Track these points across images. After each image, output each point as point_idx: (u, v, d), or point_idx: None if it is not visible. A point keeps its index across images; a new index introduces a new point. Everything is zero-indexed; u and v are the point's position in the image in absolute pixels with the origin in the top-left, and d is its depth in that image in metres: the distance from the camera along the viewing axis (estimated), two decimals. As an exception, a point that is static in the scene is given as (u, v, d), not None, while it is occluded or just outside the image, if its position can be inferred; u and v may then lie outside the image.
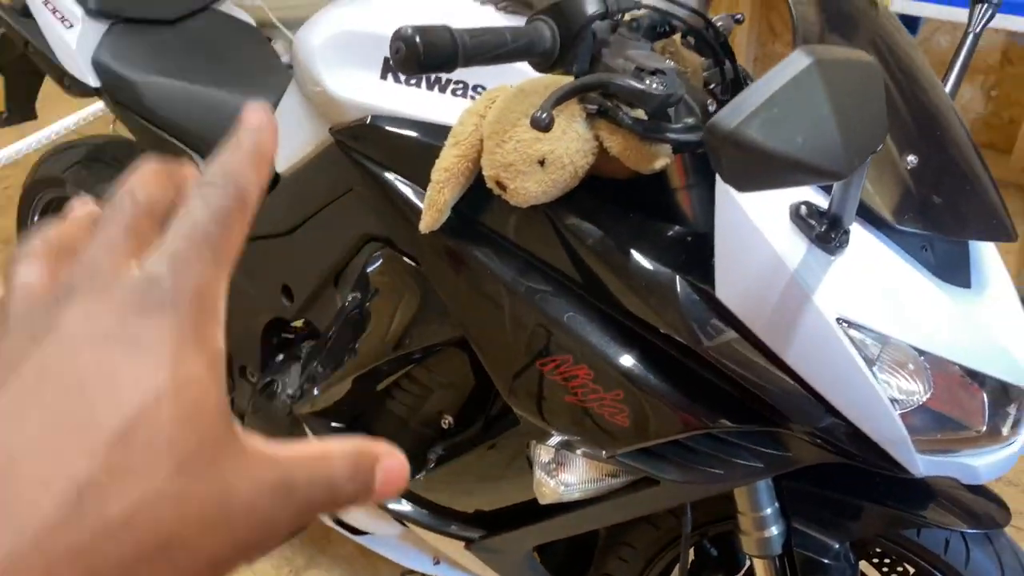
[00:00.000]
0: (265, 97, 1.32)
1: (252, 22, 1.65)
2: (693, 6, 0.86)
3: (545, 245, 0.91)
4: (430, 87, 1.00)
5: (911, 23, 2.63)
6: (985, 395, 0.87)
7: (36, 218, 1.84)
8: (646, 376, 0.86)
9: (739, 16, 1.01)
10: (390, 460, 0.27)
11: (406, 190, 1.00)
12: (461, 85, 1.00)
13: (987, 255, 0.91)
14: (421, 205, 0.96)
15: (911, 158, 0.79)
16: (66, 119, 3.17)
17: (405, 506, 1.20)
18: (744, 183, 0.53)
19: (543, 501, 0.97)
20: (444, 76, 1.00)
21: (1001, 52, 2.85)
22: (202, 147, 1.37)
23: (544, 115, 0.69)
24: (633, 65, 0.77)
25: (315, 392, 1.21)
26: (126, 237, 0.25)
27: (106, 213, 0.26)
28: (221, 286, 0.27)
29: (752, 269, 0.77)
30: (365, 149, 1.03)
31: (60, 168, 1.71)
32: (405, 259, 1.06)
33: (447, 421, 1.13)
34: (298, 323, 1.39)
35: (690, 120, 0.82)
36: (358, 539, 1.42)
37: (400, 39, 0.69)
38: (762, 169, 0.49)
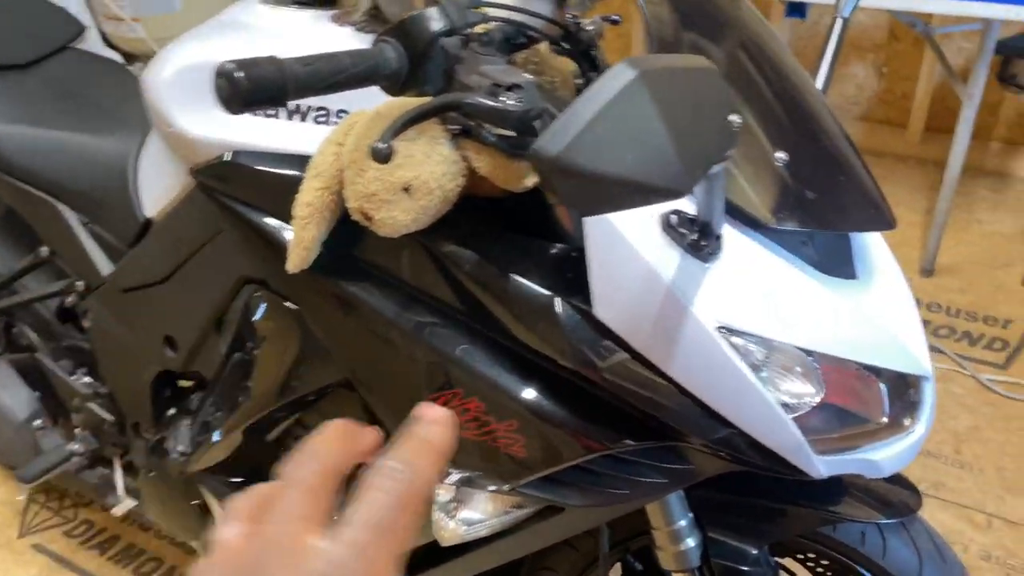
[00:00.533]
0: (129, 137, 1.24)
1: (118, 58, 1.57)
2: (547, 15, 0.83)
3: (424, 275, 0.87)
4: (290, 116, 0.95)
5: (800, 8, 2.67)
6: (882, 385, 0.86)
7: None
8: (539, 403, 0.82)
9: (615, 17, 0.98)
10: (428, 412, 0.32)
11: (275, 228, 0.95)
12: (323, 112, 0.95)
13: (872, 244, 0.90)
14: (286, 241, 0.91)
15: (781, 155, 0.77)
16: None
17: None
18: (584, 208, 0.50)
19: (444, 543, 0.92)
20: (305, 103, 0.94)
21: (888, 30, 2.92)
22: (65, 195, 1.28)
23: (384, 146, 0.64)
24: (488, 81, 0.73)
25: (206, 448, 1.14)
26: (309, 504, 0.29)
27: (290, 472, 0.29)
28: (394, 569, 0.29)
29: (627, 285, 0.74)
30: (228, 188, 0.97)
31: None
32: (283, 301, 1.00)
33: (346, 464, 1.08)
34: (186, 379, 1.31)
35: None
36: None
37: (222, 75, 0.63)
38: (597, 193, 0.46)
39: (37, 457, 1.38)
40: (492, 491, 0.91)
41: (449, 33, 0.74)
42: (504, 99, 0.71)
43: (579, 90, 0.91)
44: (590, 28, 0.91)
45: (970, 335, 2.14)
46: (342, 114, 0.94)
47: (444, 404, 0.86)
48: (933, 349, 2.09)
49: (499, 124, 0.74)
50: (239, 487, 1.17)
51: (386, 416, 0.91)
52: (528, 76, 0.75)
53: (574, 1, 0.86)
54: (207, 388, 1.17)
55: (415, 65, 0.74)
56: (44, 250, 1.34)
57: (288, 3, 1.09)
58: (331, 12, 1.06)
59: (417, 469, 0.30)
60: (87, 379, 1.40)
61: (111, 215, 1.24)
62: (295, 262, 0.89)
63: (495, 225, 0.86)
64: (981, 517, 1.65)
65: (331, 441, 0.31)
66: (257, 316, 1.05)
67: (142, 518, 1.66)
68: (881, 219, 0.83)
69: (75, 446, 1.40)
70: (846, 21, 1.08)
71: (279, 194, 0.93)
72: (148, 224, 1.19)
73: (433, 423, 0.32)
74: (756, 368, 0.75)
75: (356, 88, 0.74)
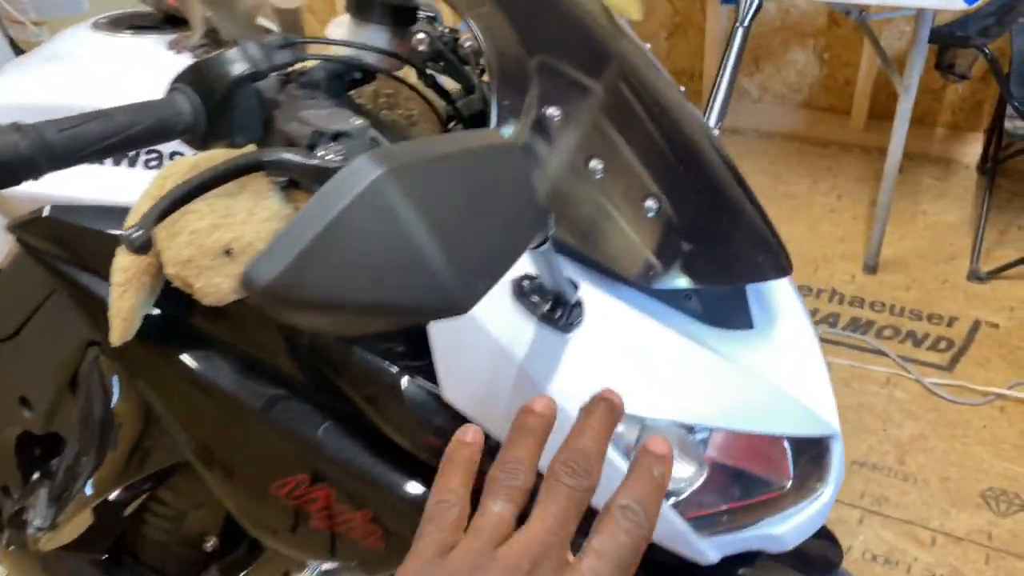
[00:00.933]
0: None
1: None
2: (381, 45, 0.72)
3: (264, 345, 0.76)
4: (116, 162, 0.83)
5: (735, -4, 2.57)
6: (786, 444, 0.77)
7: None
8: (394, 490, 0.72)
9: None
10: (655, 446, 0.34)
11: (103, 291, 0.83)
12: (155, 156, 0.83)
13: (773, 286, 0.81)
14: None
15: (651, 203, 0.67)
16: None
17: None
18: (332, 332, 0.40)
19: (307, 642, 0.82)
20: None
21: (827, 15, 2.84)
22: None
23: (137, 234, 0.53)
24: (308, 129, 0.63)
25: (62, 523, 1.02)
26: (569, 523, 0.33)
27: (547, 485, 0.34)
28: None
29: (476, 362, 0.64)
30: (48, 247, 0.85)
31: None
32: (123, 369, 0.89)
33: (211, 543, 0.97)
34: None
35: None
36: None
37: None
38: (336, 320, 0.36)
39: None
40: (357, 582, 0.81)
41: (253, 78, 0.63)
42: (323, 152, 0.61)
43: (451, 119, 0.81)
44: (467, 45, 0.80)
45: (914, 335, 2.07)
46: (177, 156, 0.83)
47: (289, 492, 0.76)
48: (877, 352, 2.02)
49: (317, 182, 0.63)
50: (104, 567, 1.06)
51: (231, 503, 0.80)
52: (357, 121, 0.64)
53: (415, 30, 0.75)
54: (63, 453, 1.05)
55: (215, 115, 0.63)
56: None
57: (123, 28, 0.97)
58: (168, 37, 0.94)
59: (650, 512, 0.32)
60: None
61: None
62: (117, 334, 0.77)
63: None
64: (925, 534, 1.58)
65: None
66: (104, 382, 0.93)
67: None
68: (773, 266, 0.73)
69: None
70: (747, 30, 0.98)
71: (103, 253, 0.82)
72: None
73: (660, 460, 0.33)
74: (629, 451, 0.66)
75: (142, 148, 0.63)
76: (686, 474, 0.68)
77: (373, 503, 0.73)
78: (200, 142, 0.65)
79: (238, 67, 0.62)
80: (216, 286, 0.71)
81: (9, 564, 1.14)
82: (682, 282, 0.68)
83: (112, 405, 0.94)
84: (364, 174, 0.34)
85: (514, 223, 0.41)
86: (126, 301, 0.76)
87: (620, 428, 0.65)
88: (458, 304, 0.37)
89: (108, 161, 0.83)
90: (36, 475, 1.17)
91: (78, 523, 1.01)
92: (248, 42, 0.63)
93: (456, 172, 0.38)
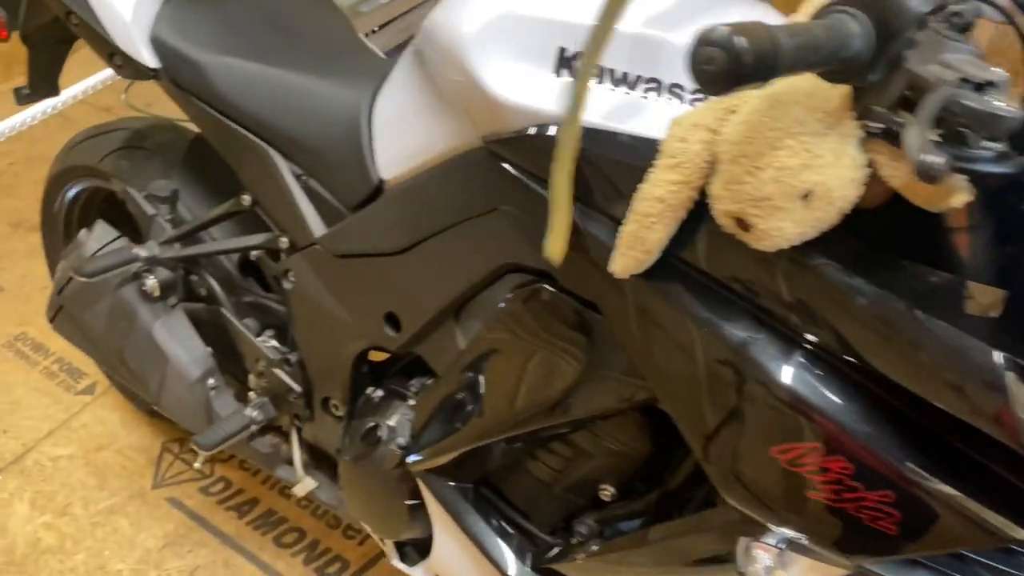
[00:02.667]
0: (359, 86, 1.10)
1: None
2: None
3: (788, 300, 0.71)
4: (615, 83, 0.79)
5: None
6: None
7: (66, 211, 1.62)
8: (930, 476, 0.67)
9: None
10: None
11: (585, 218, 0.80)
12: (654, 83, 0.79)
13: None
14: (603, 237, 0.77)
15: None
16: (73, 87, 2.91)
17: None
18: None
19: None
20: (629, 70, 0.79)
21: None
22: (280, 143, 1.15)
23: (940, 161, 0.48)
24: (954, 75, 0.57)
25: (434, 446, 1.01)
26: None
27: None
28: None
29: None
30: (530, 165, 0.82)
31: (95, 156, 1.49)
32: (571, 301, 0.85)
33: (607, 492, 0.94)
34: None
35: (994, 145, 0.62)
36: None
37: (714, 43, 0.48)
38: None
39: (217, 423, 1.27)
40: (826, 561, 0.76)
41: (938, 10, 0.57)
42: (989, 99, 0.56)
43: None
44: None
45: None
46: (677, 89, 0.78)
47: (794, 459, 0.72)
48: None
49: (983, 131, 0.58)
50: (464, 492, 1.05)
51: (713, 463, 0.76)
52: (1001, 72, 0.58)
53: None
54: (438, 382, 1.03)
55: (881, 47, 0.58)
56: (247, 199, 1.21)
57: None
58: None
59: None
60: (275, 343, 1.28)
61: (334, 172, 1.11)
62: (627, 265, 0.74)
63: (868, 241, 0.70)
64: None
65: None
66: (523, 312, 0.90)
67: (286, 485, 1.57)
68: None
69: (253, 413, 1.29)
70: None
71: (598, 180, 0.78)
72: (380, 187, 1.05)
73: None
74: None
75: (816, 70, 0.58)
76: None
77: (897, 488, 0.68)
78: (848, 75, 0.60)
79: (921, 3, 0.57)
80: (781, 231, 0.66)
81: (350, 476, 1.14)
82: None
83: (526, 340, 0.91)
84: None
85: None
86: (654, 233, 0.72)
87: None
88: None
89: (607, 80, 0.79)
90: (375, 391, 1.16)
91: (457, 449, 0.99)
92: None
93: None
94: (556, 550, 0.99)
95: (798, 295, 0.70)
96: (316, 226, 1.15)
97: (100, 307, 1.31)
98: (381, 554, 1.61)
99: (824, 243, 0.67)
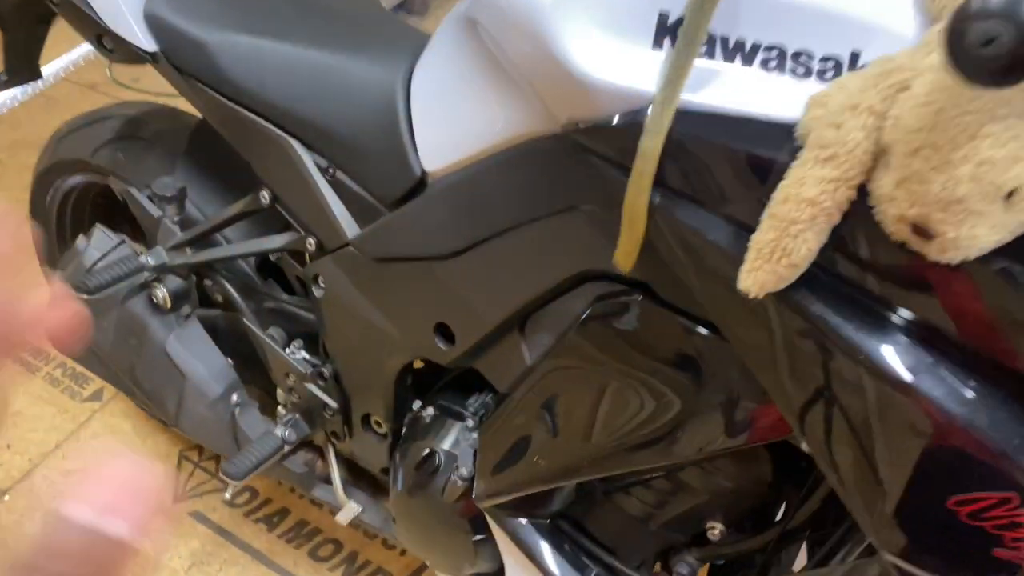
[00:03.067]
0: (392, 65, 0.95)
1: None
2: None
3: (963, 314, 0.58)
4: (729, 56, 0.64)
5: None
6: None
7: (57, 209, 1.46)
8: None
9: None
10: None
11: (695, 220, 0.65)
12: (775, 52, 0.64)
13: None
14: (723, 243, 0.63)
15: None
16: (53, 64, 2.73)
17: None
18: None
19: None
20: (740, 37, 0.64)
21: None
22: (302, 132, 1.00)
23: None
24: None
25: (505, 482, 0.88)
26: None
27: None
28: None
29: None
30: (622, 157, 0.68)
31: (87, 148, 1.33)
32: (674, 317, 0.72)
33: (716, 531, 0.81)
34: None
35: None
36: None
37: (994, 14, 0.34)
38: None
39: (246, 448, 1.14)
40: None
41: None
42: None
43: None
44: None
45: None
46: (802, 57, 0.63)
47: (976, 512, 0.59)
48: None
49: None
50: (542, 530, 0.92)
51: (868, 513, 0.63)
52: None
53: None
54: (506, 407, 0.90)
55: None
56: (265, 196, 1.07)
57: None
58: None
59: None
60: (305, 354, 1.14)
61: (366, 163, 0.96)
62: (763, 281, 0.60)
63: None
64: None
65: None
66: (611, 329, 0.77)
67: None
68: None
69: (285, 432, 1.16)
70: None
71: (710, 175, 0.64)
72: (423, 180, 0.91)
73: None
74: None
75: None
76: None
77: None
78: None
79: None
80: (974, 240, 0.53)
81: (405, 508, 1.01)
82: None
83: (614, 363, 0.78)
84: None
85: None
86: (805, 243, 0.58)
87: None
88: None
89: (718, 52, 0.64)
90: (425, 410, 1.03)
91: (528, 490, 0.86)
92: None
93: None
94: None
95: (986, 312, 0.56)
96: (348, 226, 1.01)
97: (106, 323, 1.18)
98: (425, 565, 1.49)
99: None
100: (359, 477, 1.23)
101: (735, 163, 0.63)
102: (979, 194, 0.51)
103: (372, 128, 0.95)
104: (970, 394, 0.58)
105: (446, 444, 0.97)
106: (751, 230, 0.61)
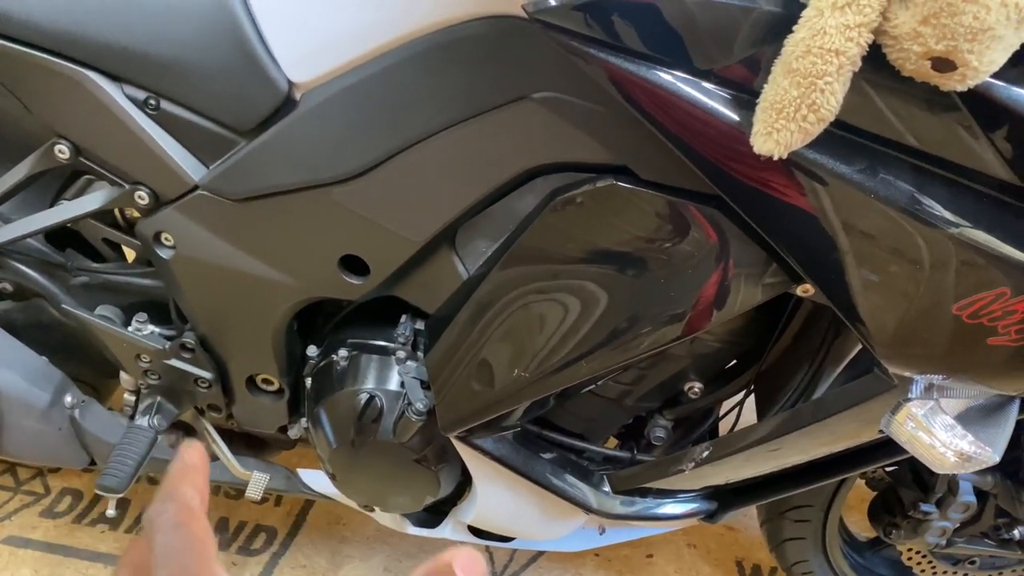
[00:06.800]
0: None
1: None
2: None
3: (960, 137, 0.61)
4: None
5: None
6: None
7: None
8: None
9: None
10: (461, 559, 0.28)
11: (687, 87, 0.62)
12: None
13: None
14: (719, 108, 0.61)
15: None
16: None
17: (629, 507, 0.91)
18: None
19: (943, 470, 0.74)
20: None
21: None
22: (108, 61, 0.79)
23: None
24: None
25: (472, 405, 0.82)
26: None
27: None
28: None
29: None
30: (601, 33, 0.61)
31: None
32: (662, 196, 0.69)
33: (696, 389, 0.83)
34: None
35: None
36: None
37: None
38: None
39: (116, 451, 0.94)
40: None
41: None
42: None
43: None
44: None
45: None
46: None
47: (976, 311, 0.66)
48: None
49: None
50: (527, 432, 0.89)
51: (876, 333, 0.67)
52: None
53: None
54: (455, 328, 0.82)
55: None
56: (63, 149, 0.84)
57: None
58: None
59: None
60: (154, 328, 0.96)
61: (204, 87, 0.79)
62: (788, 140, 0.59)
63: None
64: None
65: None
66: (584, 219, 0.72)
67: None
68: None
69: (152, 420, 0.98)
70: None
71: (694, 35, 0.60)
72: (290, 96, 0.77)
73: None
74: None
75: None
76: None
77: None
78: None
79: None
80: (993, 64, 0.56)
81: (364, 461, 0.92)
82: None
83: (591, 256, 0.74)
84: None
85: None
86: (831, 95, 0.58)
87: None
88: None
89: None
90: (327, 353, 0.94)
91: (506, 407, 0.82)
92: None
93: None
94: (644, 466, 0.88)
95: (985, 132, 0.60)
96: (191, 167, 0.83)
97: None
98: (305, 512, 1.40)
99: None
100: (243, 446, 1.09)
101: (725, 19, 0.60)
102: (1004, 19, 0.52)
103: (206, 42, 0.77)
104: (976, 208, 0.62)
105: (383, 383, 0.88)
106: (752, 93, 0.59)
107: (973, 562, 1.17)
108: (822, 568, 1.19)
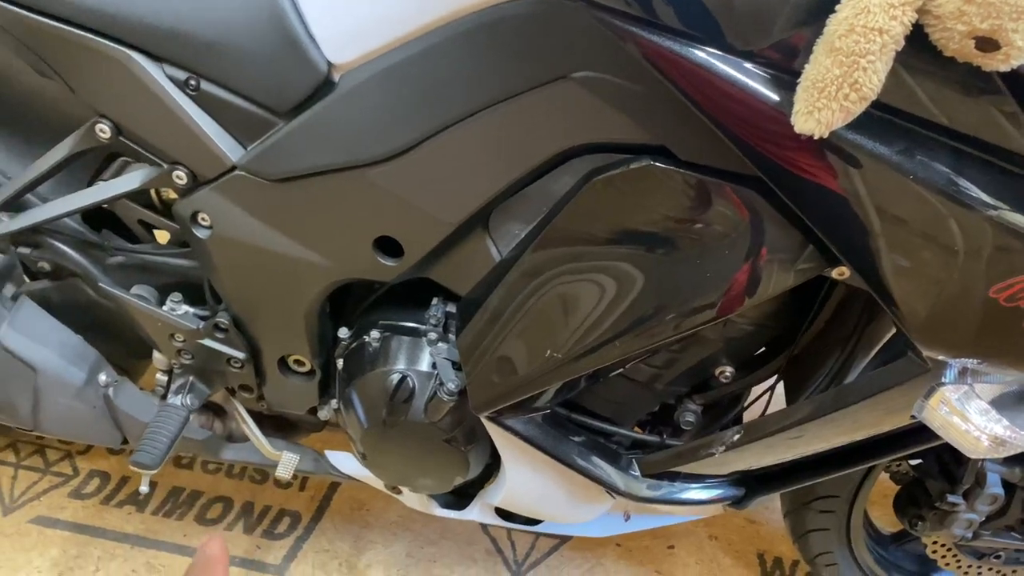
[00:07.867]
0: None
1: None
2: None
3: (991, 116, 0.61)
4: None
5: None
6: None
7: None
8: None
9: None
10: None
11: (727, 66, 0.62)
12: None
13: None
14: (759, 88, 0.62)
15: None
16: None
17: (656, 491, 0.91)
18: None
19: (977, 454, 0.74)
20: None
21: None
22: (148, 40, 0.81)
23: None
24: None
25: (505, 386, 0.83)
26: None
27: None
28: None
29: None
30: (643, 11, 0.62)
31: None
32: (701, 177, 0.69)
33: (727, 373, 0.83)
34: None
35: None
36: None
37: None
38: None
39: (150, 429, 0.96)
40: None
41: None
42: None
43: None
44: None
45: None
46: None
47: (1015, 293, 0.66)
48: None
49: None
50: (557, 414, 0.89)
51: (910, 317, 0.68)
52: None
53: None
54: (487, 309, 0.82)
55: None
56: (105, 128, 0.86)
57: None
58: None
59: None
60: (189, 308, 0.97)
61: (245, 68, 0.80)
62: (830, 119, 0.59)
63: None
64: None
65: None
66: (622, 200, 0.72)
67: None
68: None
69: (185, 399, 1.00)
70: None
71: (755, 15, 0.61)
72: (330, 75, 0.78)
73: None
74: None
75: None
76: None
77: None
78: None
79: None
80: (1033, 45, 0.55)
81: (394, 441, 0.93)
82: None
83: (629, 238, 0.74)
84: None
85: None
86: (874, 74, 0.58)
87: None
88: None
89: None
90: (360, 334, 0.95)
91: (539, 388, 0.83)
92: None
93: None
94: (674, 450, 0.89)
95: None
96: (229, 147, 0.84)
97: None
98: (329, 497, 1.41)
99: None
100: (274, 428, 1.11)
101: (774, 4, 0.60)
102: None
103: (246, 23, 0.78)
104: (1004, 190, 0.62)
105: (414, 364, 0.89)
106: (793, 73, 0.60)
107: (998, 556, 1.16)
108: (845, 560, 1.19)
